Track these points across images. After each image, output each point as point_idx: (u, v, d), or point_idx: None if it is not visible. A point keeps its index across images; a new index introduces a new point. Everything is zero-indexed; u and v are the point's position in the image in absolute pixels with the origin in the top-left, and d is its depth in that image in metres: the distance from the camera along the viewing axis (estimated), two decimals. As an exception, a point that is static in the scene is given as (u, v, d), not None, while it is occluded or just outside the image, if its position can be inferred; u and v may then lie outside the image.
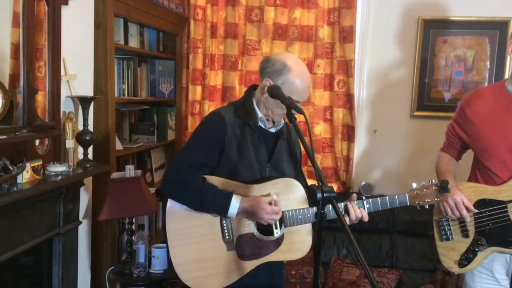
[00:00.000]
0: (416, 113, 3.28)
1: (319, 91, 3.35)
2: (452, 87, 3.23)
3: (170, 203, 1.70)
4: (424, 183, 1.81)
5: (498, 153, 1.87)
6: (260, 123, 1.77)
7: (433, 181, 1.81)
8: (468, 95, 2.09)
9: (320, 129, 3.39)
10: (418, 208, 1.83)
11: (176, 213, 1.69)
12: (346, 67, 3.25)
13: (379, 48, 3.30)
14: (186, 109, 3.48)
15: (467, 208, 1.88)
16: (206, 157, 1.70)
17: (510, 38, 1.93)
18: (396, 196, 1.79)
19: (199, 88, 3.43)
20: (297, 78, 1.70)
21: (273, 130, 1.81)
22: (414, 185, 1.81)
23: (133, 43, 2.95)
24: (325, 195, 1.37)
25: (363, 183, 3.29)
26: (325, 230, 3.08)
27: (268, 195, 1.67)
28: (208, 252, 1.68)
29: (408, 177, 2.98)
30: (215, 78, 3.43)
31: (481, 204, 1.90)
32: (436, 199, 1.80)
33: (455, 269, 1.97)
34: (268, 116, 1.77)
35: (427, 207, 1.84)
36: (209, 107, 3.37)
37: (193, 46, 3.37)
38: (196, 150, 1.72)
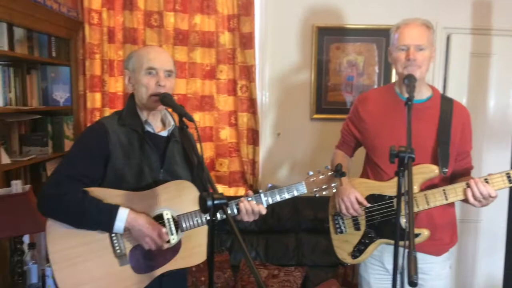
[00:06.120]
0: (315, 116, 3.44)
1: (223, 96, 3.37)
2: (346, 90, 3.43)
3: (50, 221, 1.57)
4: (319, 169, 1.85)
5: (386, 151, 1.96)
6: (147, 128, 1.73)
7: (329, 167, 1.86)
8: (361, 95, 2.20)
9: (226, 134, 3.42)
10: (316, 196, 1.85)
11: (57, 232, 1.57)
12: (248, 72, 3.30)
13: (278, 54, 3.40)
14: (85, 117, 3.30)
15: (360, 203, 2.00)
16: (87, 168, 1.60)
17: (389, 46, 2.08)
18: (294, 185, 1.80)
19: (98, 95, 3.28)
20: (142, 51, 1.76)
21: (164, 133, 1.77)
22: (311, 173, 1.84)
23: (21, 49, 2.74)
24: (215, 202, 1.37)
25: (269, 185, 3.37)
26: (233, 233, 3.15)
27: (160, 225, 1.61)
28: (100, 270, 1.58)
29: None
30: (116, 85, 3.31)
31: (371, 199, 2.02)
32: (333, 185, 1.85)
33: (349, 260, 2.08)
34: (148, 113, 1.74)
35: (325, 194, 1.86)
36: (110, 115, 3.24)
37: (89, 52, 3.22)
38: (76, 161, 1.62)
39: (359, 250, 2.05)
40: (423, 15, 2.05)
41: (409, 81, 1.87)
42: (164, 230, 1.60)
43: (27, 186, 2.25)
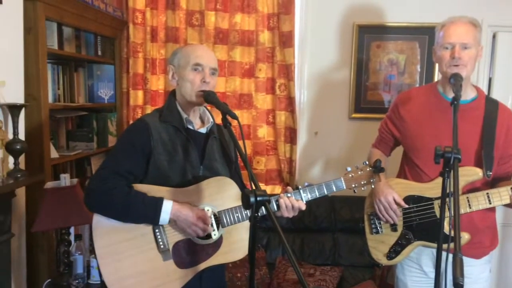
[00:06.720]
0: (354, 115, 3.41)
1: (261, 95, 3.40)
2: (386, 90, 3.38)
3: (96, 218, 1.62)
4: (358, 165, 1.82)
5: (427, 152, 1.91)
6: (188, 125, 1.75)
7: (367, 162, 1.83)
8: (402, 94, 2.16)
9: (263, 132, 3.44)
10: (355, 192, 1.82)
11: (103, 228, 1.61)
12: (287, 71, 3.31)
13: (317, 53, 3.39)
14: (127, 114, 3.41)
15: (398, 204, 1.97)
16: (131, 164, 1.64)
17: (434, 46, 2.03)
18: (332, 181, 1.78)
19: (140, 93, 3.38)
20: (188, 48, 1.79)
21: (203, 130, 1.79)
22: (349, 169, 1.81)
23: (69, 47, 2.86)
24: (258, 199, 1.38)
25: (306, 184, 3.33)
26: (268, 230, 3.18)
27: (203, 210, 1.66)
28: (144, 265, 1.62)
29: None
30: (157, 83, 3.40)
31: (409, 200, 1.99)
32: (371, 180, 1.81)
33: (384, 261, 2.05)
34: (189, 108, 1.76)
35: (363, 189, 1.83)
36: (151, 112, 3.33)
37: (133, 50, 3.32)
38: (121, 157, 1.66)
39: (395, 251, 2.02)
40: (467, 13, 2.00)
41: (455, 80, 1.81)
42: (207, 214, 1.65)
43: (75, 180, 2.34)
